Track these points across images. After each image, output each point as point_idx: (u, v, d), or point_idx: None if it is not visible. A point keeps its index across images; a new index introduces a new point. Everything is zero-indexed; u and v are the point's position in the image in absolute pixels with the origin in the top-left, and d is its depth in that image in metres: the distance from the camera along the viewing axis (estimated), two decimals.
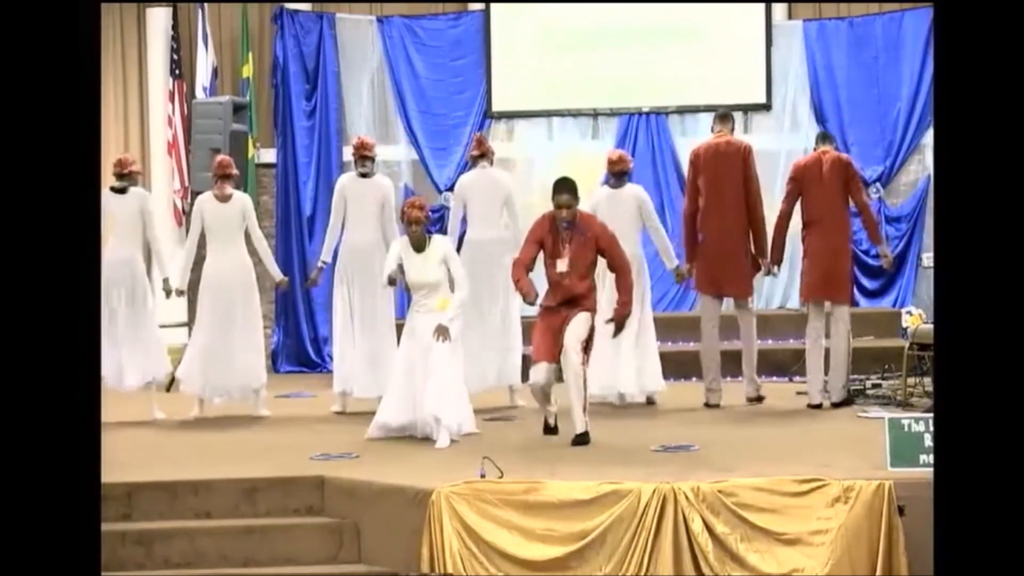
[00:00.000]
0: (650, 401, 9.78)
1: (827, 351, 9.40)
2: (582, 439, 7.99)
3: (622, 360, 9.55)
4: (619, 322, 8.26)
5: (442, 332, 8.17)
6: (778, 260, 9.82)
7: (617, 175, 9.80)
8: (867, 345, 10.97)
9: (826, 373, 9.37)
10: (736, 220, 9.61)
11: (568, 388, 8.07)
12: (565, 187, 8.26)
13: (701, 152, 9.72)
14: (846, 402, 9.35)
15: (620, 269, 8.32)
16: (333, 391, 9.84)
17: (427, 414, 8.16)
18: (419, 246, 8.40)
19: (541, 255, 8.34)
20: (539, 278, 8.34)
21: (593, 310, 8.27)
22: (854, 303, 9.64)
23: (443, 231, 12.60)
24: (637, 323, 9.51)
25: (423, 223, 8.40)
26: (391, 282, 8.57)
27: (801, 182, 9.47)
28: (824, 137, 9.88)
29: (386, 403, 8.39)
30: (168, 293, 10.19)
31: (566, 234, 8.22)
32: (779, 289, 12.62)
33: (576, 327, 8.10)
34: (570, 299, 8.18)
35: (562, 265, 8.19)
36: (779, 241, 9.69)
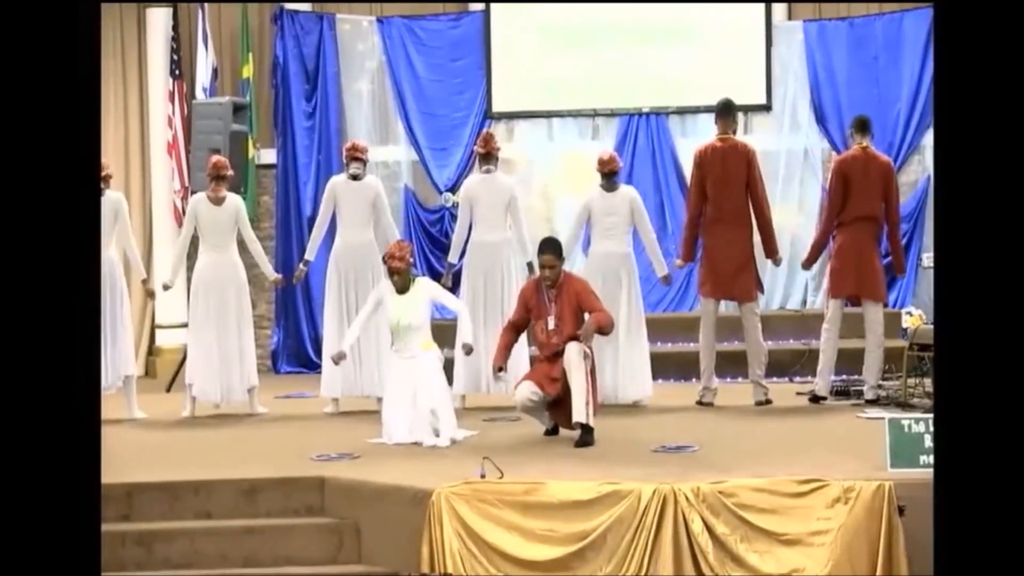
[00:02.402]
0: (636, 404, 9.74)
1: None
2: (586, 440, 7.96)
3: (614, 364, 9.54)
4: (584, 335, 8.15)
5: (468, 350, 8.39)
6: (814, 260, 9.85)
7: (608, 175, 9.79)
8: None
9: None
10: (743, 224, 9.59)
11: (570, 380, 8.05)
12: (548, 247, 8.40)
13: (707, 154, 9.65)
14: (878, 400, 9.38)
15: (600, 316, 8.28)
16: (322, 395, 9.84)
17: (425, 423, 8.20)
18: (402, 290, 8.50)
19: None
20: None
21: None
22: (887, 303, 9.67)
23: (444, 232, 12.69)
24: (626, 324, 9.53)
25: (404, 272, 8.46)
26: (337, 360, 8.60)
27: (847, 178, 9.45)
28: (863, 127, 9.60)
29: (392, 430, 8.39)
30: (152, 294, 10.30)
31: (551, 293, 8.33)
32: (779, 290, 12.61)
33: (575, 343, 8.17)
34: (560, 353, 8.21)
35: (550, 323, 8.29)
36: (825, 241, 9.72)
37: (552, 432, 8.39)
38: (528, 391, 8.20)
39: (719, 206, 9.57)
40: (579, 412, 7.98)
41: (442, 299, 8.67)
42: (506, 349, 8.42)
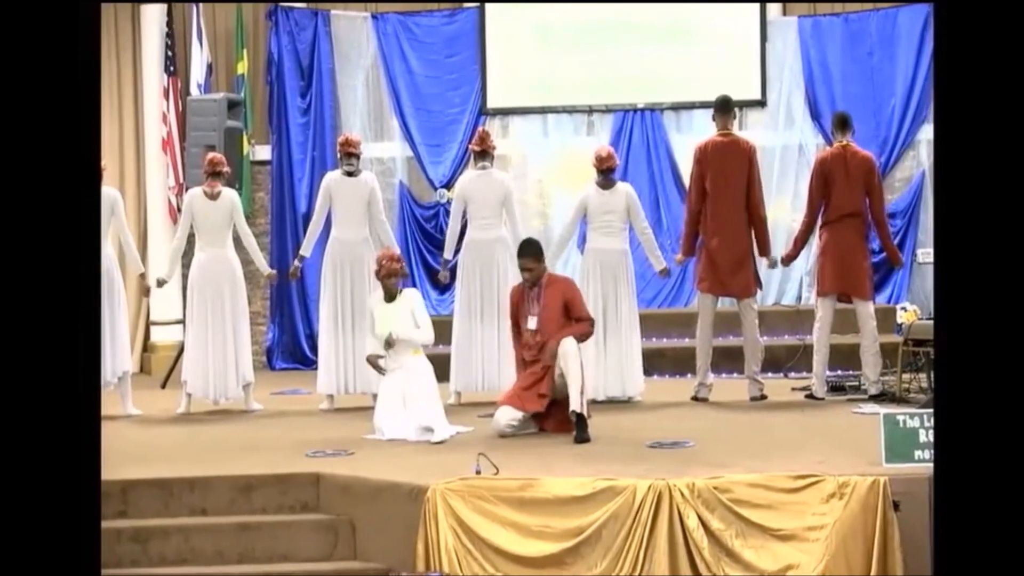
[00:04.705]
0: (629, 400, 9.74)
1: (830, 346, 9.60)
2: (583, 436, 7.96)
3: (604, 360, 9.55)
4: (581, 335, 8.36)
5: (389, 341, 8.40)
6: (795, 257, 9.87)
7: (605, 172, 9.77)
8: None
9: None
10: (742, 220, 9.57)
11: (566, 371, 8.09)
12: (525, 250, 8.55)
13: (708, 150, 9.63)
14: (882, 395, 9.38)
15: (582, 320, 8.46)
16: (318, 391, 9.86)
17: (420, 427, 8.25)
18: (390, 297, 8.58)
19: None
20: None
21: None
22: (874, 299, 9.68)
23: (439, 228, 12.69)
24: (621, 321, 9.55)
25: (397, 276, 8.57)
26: (388, 345, 8.60)
27: (827, 177, 9.47)
28: (843, 123, 9.65)
29: (385, 432, 8.42)
30: (147, 290, 10.30)
31: (534, 293, 8.43)
32: (774, 286, 12.61)
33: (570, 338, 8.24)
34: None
35: (531, 323, 8.39)
36: (804, 239, 9.73)
37: (545, 430, 8.39)
38: (506, 419, 8.25)
39: (718, 201, 9.55)
40: (575, 401, 8.01)
41: (418, 314, 8.55)
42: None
